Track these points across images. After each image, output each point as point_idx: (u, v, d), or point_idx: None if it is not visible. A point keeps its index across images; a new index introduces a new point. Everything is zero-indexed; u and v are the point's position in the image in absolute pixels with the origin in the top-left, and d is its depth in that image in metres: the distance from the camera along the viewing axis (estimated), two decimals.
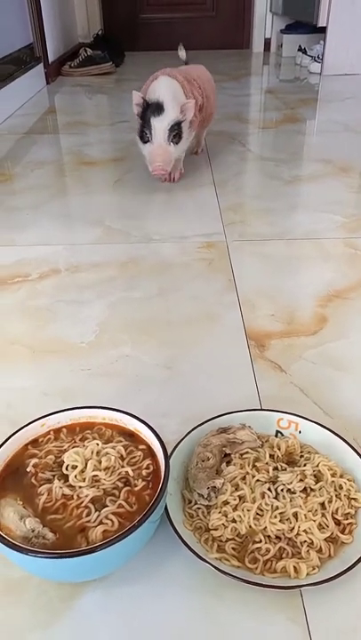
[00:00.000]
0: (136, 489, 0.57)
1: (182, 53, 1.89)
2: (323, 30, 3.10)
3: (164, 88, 1.43)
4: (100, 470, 0.58)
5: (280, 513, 0.59)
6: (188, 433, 0.69)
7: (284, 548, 0.57)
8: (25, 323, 1.01)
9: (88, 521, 0.54)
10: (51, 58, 3.15)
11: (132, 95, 1.44)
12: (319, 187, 1.64)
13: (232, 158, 1.91)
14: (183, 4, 4.08)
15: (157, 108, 1.39)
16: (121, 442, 0.62)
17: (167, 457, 0.58)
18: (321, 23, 3.07)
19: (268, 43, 4.06)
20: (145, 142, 1.43)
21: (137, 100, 1.41)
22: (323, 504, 0.60)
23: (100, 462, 0.59)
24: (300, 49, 3.53)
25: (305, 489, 0.61)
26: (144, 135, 1.42)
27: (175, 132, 1.41)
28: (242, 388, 0.84)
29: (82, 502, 0.55)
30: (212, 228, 1.37)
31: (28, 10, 2.86)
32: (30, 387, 0.85)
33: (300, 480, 0.62)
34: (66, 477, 0.58)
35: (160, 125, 1.39)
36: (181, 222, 1.40)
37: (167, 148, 1.41)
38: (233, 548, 0.58)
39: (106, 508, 0.55)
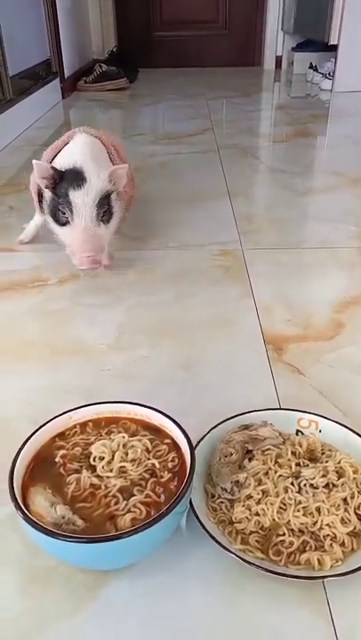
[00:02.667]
0: (162, 480, 0.58)
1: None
2: (334, 48, 3.15)
3: (84, 150, 1.09)
4: (127, 462, 0.59)
5: (303, 507, 0.60)
6: (210, 430, 0.70)
7: (308, 542, 0.58)
8: (45, 325, 1.03)
9: (116, 509, 0.55)
10: (67, 73, 3.22)
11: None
12: (332, 198, 1.66)
13: (246, 170, 1.94)
14: (196, 22, 4.16)
15: (77, 178, 1.01)
16: (146, 435, 0.63)
17: (192, 449, 0.59)
18: (332, 41, 3.12)
19: (279, 60, 4.12)
20: (62, 224, 1.03)
21: (43, 172, 1.01)
22: (345, 499, 0.61)
23: (127, 454, 0.60)
24: (311, 66, 3.58)
25: (327, 484, 0.62)
26: (60, 215, 1.02)
27: (105, 209, 1.03)
28: (261, 389, 0.85)
29: (110, 491, 0.56)
30: (228, 236, 1.39)
31: (46, 26, 2.93)
32: (52, 386, 0.87)
33: (323, 476, 0.62)
34: (93, 468, 0.59)
35: (84, 201, 1.00)
36: (198, 231, 1.42)
37: (96, 232, 1.01)
38: (257, 541, 0.58)
39: (134, 497, 0.56)
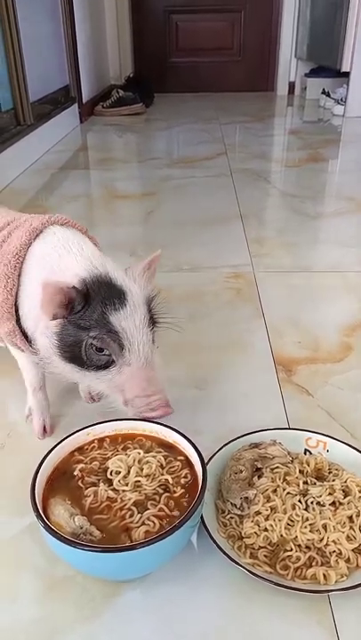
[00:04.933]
0: (175, 495, 0.61)
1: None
2: (346, 74, 3.22)
3: (82, 246, 0.72)
4: (142, 477, 0.62)
5: (310, 524, 0.62)
6: (221, 448, 0.73)
7: (314, 557, 0.60)
8: None
9: (131, 522, 0.58)
10: (85, 98, 3.31)
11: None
12: (343, 222, 1.70)
13: (258, 194, 1.98)
14: (210, 48, 4.27)
15: (111, 292, 0.66)
16: (160, 452, 0.66)
17: (204, 466, 0.62)
18: (345, 68, 3.19)
19: (292, 86, 4.20)
20: (101, 367, 0.67)
21: (61, 296, 0.63)
22: (351, 517, 0.63)
23: (142, 469, 0.63)
24: (323, 92, 3.66)
25: (334, 502, 0.65)
26: (94, 355, 0.66)
27: (153, 325, 0.70)
28: (270, 409, 0.88)
29: (125, 505, 0.59)
30: (240, 259, 1.42)
31: (66, 54, 3.03)
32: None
33: (330, 494, 0.65)
34: (110, 482, 0.62)
35: (135, 324, 0.66)
36: (210, 253, 1.46)
37: (155, 364, 0.69)
38: (265, 556, 0.61)
39: (148, 511, 0.59)
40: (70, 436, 0.67)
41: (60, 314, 0.64)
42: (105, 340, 0.64)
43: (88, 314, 0.64)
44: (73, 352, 0.66)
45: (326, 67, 3.56)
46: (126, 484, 0.61)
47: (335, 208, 1.83)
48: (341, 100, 3.38)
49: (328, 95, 3.58)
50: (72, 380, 0.73)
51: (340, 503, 0.64)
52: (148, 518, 0.58)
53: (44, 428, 0.83)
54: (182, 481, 0.63)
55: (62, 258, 0.69)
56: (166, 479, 0.62)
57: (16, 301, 0.71)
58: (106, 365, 0.66)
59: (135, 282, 0.69)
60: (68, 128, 3.01)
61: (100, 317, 0.64)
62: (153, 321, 0.69)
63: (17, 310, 0.72)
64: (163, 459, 0.65)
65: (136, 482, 0.62)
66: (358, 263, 1.40)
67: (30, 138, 2.36)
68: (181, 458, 0.66)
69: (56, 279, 0.66)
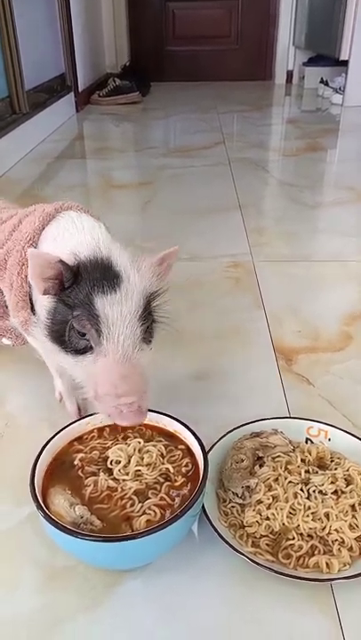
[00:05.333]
0: (176, 484, 0.60)
1: None
2: (345, 63, 3.20)
3: (95, 231, 0.70)
4: (143, 466, 0.62)
5: (312, 512, 0.62)
6: (222, 437, 0.73)
7: (316, 546, 0.60)
8: None
9: (132, 511, 0.57)
10: (81, 87, 3.28)
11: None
12: (342, 212, 1.68)
13: (256, 183, 1.97)
14: (208, 36, 4.23)
15: (106, 275, 0.61)
16: (161, 441, 0.66)
17: (205, 455, 0.61)
18: (343, 57, 3.16)
19: (290, 75, 4.17)
20: (79, 351, 0.61)
21: (45, 268, 0.60)
22: (353, 506, 0.63)
23: (143, 459, 0.62)
24: (321, 81, 3.63)
25: (336, 491, 0.64)
26: (74, 337, 0.61)
27: (149, 322, 0.63)
28: (271, 398, 0.87)
29: (126, 494, 0.59)
30: (239, 248, 1.41)
31: (62, 42, 2.99)
32: None
33: (332, 482, 0.64)
34: (110, 471, 0.62)
35: (121, 312, 0.60)
36: (209, 243, 1.45)
37: (139, 361, 0.61)
38: (267, 544, 0.60)
39: (149, 500, 0.58)
40: (69, 425, 0.67)
41: (50, 289, 0.61)
42: (83, 322, 0.59)
43: (75, 292, 0.60)
44: (59, 332, 0.62)
45: (325, 55, 3.53)
46: (127, 474, 0.61)
47: (334, 197, 1.82)
48: (340, 88, 3.35)
49: (326, 84, 3.56)
50: (60, 364, 0.67)
51: (343, 492, 0.64)
52: (149, 507, 0.57)
53: (78, 408, 0.83)
54: (183, 470, 0.62)
55: (72, 237, 0.67)
56: (167, 468, 0.62)
57: (30, 289, 0.69)
58: (83, 351, 0.60)
59: (138, 271, 0.62)
60: (64, 117, 2.97)
61: (85, 298, 0.59)
62: (149, 317, 0.62)
63: (31, 299, 0.70)
64: (163, 448, 0.64)
65: (137, 471, 0.61)
66: (358, 252, 1.39)
67: (26, 126, 2.33)
68: (182, 447, 0.65)
69: (42, 252, 0.63)
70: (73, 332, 0.60)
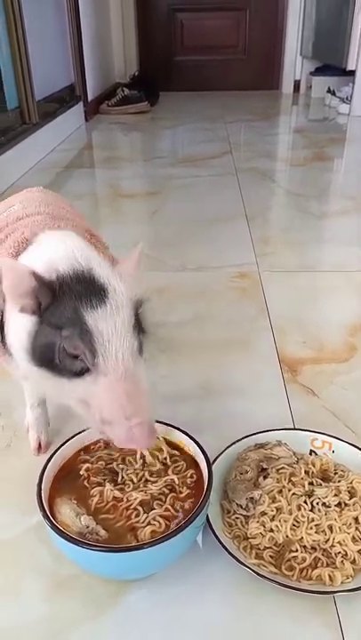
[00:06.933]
0: (181, 495, 0.61)
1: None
2: (352, 73, 3.21)
3: (70, 239, 0.63)
4: (148, 476, 0.62)
5: (316, 525, 0.62)
6: (227, 448, 0.73)
7: (320, 558, 0.60)
8: None
9: (137, 522, 0.58)
10: (90, 97, 3.31)
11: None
12: (348, 222, 1.69)
13: (263, 193, 1.98)
14: (216, 47, 4.26)
15: (91, 288, 0.56)
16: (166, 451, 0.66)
17: (210, 466, 0.62)
18: (350, 67, 3.18)
19: (297, 84, 4.19)
20: (76, 374, 0.55)
21: (21, 283, 0.55)
22: (356, 518, 0.63)
23: (148, 469, 0.63)
24: (329, 90, 3.64)
25: (339, 503, 0.65)
26: (67, 360, 0.55)
27: (140, 331, 0.59)
28: (276, 409, 0.88)
29: (131, 505, 0.60)
30: (245, 258, 1.42)
31: (71, 52, 3.03)
32: None
33: (335, 495, 0.65)
34: (115, 482, 0.62)
35: (115, 326, 0.56)
36: (216, 252, 1.46)
37: (141, 375, 0.57)
38: (270, 556, 0.61)
39: (153, 511, 0.59)
40: (76, 435, 0.67)
41: (27, 306, 0.55)
42: (76, 341, 0.53)
43: (60, 310, 0.54)
44: (45, 355, 0.55)
45: (332, 65, 3.55)
46: (132, 482, 0.62)
47: (339, 207, 1.83)
48: (347, 98, 3.37)
49: (333, 94, 3.57)
50: (48, 394, 0.62)
51: (346, 504, 0.64)
52: (154, 518, 0.58)
53: (40, 444, 0.80)
54: (188, 481, 0.63)
55: (49, 254, 0.60)
56: (172, 479, 0.63)
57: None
58: (80, 372, 0.54)
59: (121, 280, 0.58)
60: (73, 126, 3.01)
61: (72, 315, 0.54)
62: (140, 327, 0.58)
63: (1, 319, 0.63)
64: (168, 458, 0.65)
65: (142, 481, 0.62)
66: None
67: (35, 136, 2.36)
68: (187, 458, 0.66)
69: (19, 263, 0.57)
70: (64, 354, 0.54)
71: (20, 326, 0.57)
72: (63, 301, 0.55)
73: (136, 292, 0.59)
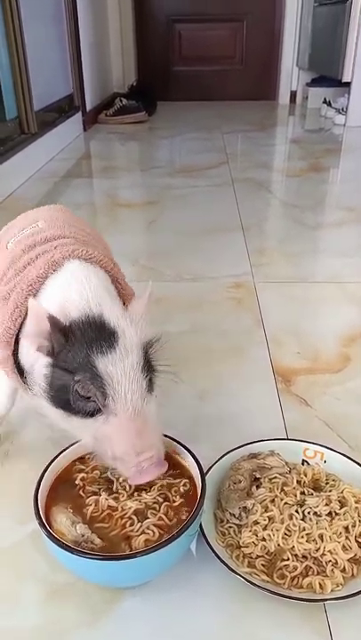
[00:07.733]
0: (175, 504, 0.62)
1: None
2: (347, 84, 3.25)
3: (91, 282, 0.66)
4: (142, 486, 0.63)
5: (307, 534, 0.63)
6: (220, 458, 0.74)
7: (310, 567, 0.61)
8: None
9: (131, 530, 0.59)
10: (88, 107, 3.34)
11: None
12: (343, 233, 1.71)
13: (259, 204, 2.00)
14: (213, 57, 4.31)
15: (101, 333, 0.60)
16: None
17: (203, 476, 0.63)
18: (346, 78, 3.22)
19: (294, 95, 4.24)
20: (87, 414, 0.59)
21: (40, 325, 0.60)
22: (347, 527, 0.64)
23: None
24: (325, 101, 3.69)
25: (330, 513, 0.66)
26: (80, 401, 0.59)
27: (150, 372, 0.63)
28: (269, 419, 0.89)
29: (125, 513, 0.61)
30: (241, 269, 1.44)
31: (70, 63, 3.07)
32: None
33: (326, 504, 0.66)
34: (110, 491, 0.64)
35: (124, 369, 0.59)
36: (211, 262, 1.48)
37: (151, 414, 0.61)
38: (262, 565, 0.62)
39: (147, 520, 0.60)
40: (71, 446, 0.69)
41: (44, 348, 0.60)
42: (87, 385, 0.58)
43: (72, 355, 0.59)
44: (60, 397, 0.60)
45: (328, 76, 3.60)
46: (126, 491, 0.63)
47: (334, 218, 1.85)
48: (342, 109, 3.41)
49: (329, 104, 3.61)
50: (60, 428, 0.65)
51: (337, 513, 0.66)
52: (148, 527, 0.59)
53: None
54: (181, 490, 0.64)
55: (64, 295, 0.64)
56: (166, 488, 0.64)
57: (18, 333, 0.67)
58: (92, 413, 0.59)
59: (131, 324, 0.62)
60: (71, 136, 3.03)
61: (84, 360, 0.58)
62: (150, 367, 0.62)
63: (18, 341, 0.67)
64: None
65: (137, 490, 0.63)
66: (358, 274, 1.41)
67: (34, 146, 2.39)
68: (181, 467, 0.67)
69: (40, 306, 0.61)
70: (77, 396, 0.59)
71: (39, 367, 0.62)
72: (75, 346, 0.59)
73: (146, 333, 0.63)
